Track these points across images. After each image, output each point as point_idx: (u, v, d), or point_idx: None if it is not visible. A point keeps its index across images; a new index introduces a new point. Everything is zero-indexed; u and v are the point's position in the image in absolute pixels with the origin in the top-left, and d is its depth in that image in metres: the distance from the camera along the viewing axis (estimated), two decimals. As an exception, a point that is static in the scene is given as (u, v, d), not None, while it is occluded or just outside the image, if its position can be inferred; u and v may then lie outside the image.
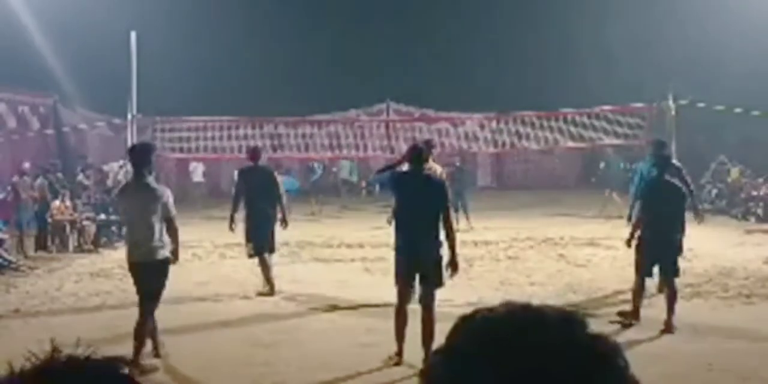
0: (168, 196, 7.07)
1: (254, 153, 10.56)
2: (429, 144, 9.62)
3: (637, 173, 10.89)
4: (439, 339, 0.97)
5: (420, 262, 6.73)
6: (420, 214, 6.69)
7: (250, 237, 10.17)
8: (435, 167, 9.34)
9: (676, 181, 8.42)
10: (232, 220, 10.31)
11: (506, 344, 0.87)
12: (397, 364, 6.76)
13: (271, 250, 10.33)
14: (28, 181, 15.03)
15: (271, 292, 10.03)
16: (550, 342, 0.87)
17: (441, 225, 6.72)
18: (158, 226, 6.93)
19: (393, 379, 6.55)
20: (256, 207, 10.13)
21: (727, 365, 6.75)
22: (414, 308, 6.94)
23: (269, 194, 10.15)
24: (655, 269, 8.23)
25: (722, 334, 7.81)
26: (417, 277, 6.81)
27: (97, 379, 0.97)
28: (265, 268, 10.15)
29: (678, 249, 8.23)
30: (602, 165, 20.85)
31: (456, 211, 16.83)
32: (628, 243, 8.44)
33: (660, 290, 9.19)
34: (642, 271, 8.13)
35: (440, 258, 6.79)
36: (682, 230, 8.36)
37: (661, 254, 8.05)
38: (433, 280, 6.77)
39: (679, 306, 9.16)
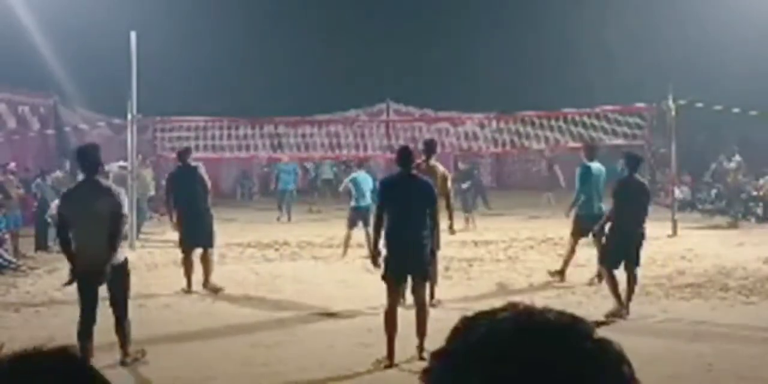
0: (123, 195, 6.85)
1: (181, 154, 10.96)
2: (432, 144, 9.58)
3: (579, 176, 11.16)
4: (438, 338, 0.97)
5: (412, 261, 6.91)
6: (410, 213, 6.88)
7: (183, 235, 10.46)
8: (437, 166, 9.32)
9: (643, 179, 9.32)
10: (171, 219, 10.72)
11: (507, 348, 0.86)
12: (388, 366, 6.78)
13: (209, 246, 10.47)
14: (14, 181, 15.01)
15: (204, 286, 10.25)
16: (553, 346, 0.86)
17: (431, 223, 7.00)
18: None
19: (393, 380, 6.55)
20: (188, 206, 10.43)
21: (727, 365, 6.75)
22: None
23: (197, 193, 10.45)
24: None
25: (722, 334, 7.81)
26: (408, 277, 7.04)
27: (48, 370, 0.95)
28: (207, 262, 10.36)
29: (642, 241, 8.81)
30: (556, 167, 20.86)
31: (468, 211, 17.22)
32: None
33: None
34: (610, 264, 8.73)
35: (429, 255, 7.07)
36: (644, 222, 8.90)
37: (630, 248, 8.66)
38: (422, 277, 7.04)
39: (679, 306, 9.20)
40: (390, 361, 6.79)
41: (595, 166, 10.87)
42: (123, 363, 6.86)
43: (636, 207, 8.69)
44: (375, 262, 7.09)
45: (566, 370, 0.85)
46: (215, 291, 10.18)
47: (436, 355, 0.93)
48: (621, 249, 8.70)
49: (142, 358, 6.96)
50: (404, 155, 7.17)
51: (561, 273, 10.86)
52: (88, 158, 6.80)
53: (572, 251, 10.88)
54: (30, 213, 15.68)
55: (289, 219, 20.00)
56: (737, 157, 20.13)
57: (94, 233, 6.55)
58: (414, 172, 7.32)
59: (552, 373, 0.84)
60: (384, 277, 6.98)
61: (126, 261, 6.88)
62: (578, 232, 10.72)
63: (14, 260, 12.66)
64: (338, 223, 18.71)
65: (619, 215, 8.74)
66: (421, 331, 6.86)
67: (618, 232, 8.75)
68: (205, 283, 10.28)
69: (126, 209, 6.83)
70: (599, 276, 10.44)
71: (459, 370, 0.88)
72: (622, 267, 8.75)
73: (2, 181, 14.61)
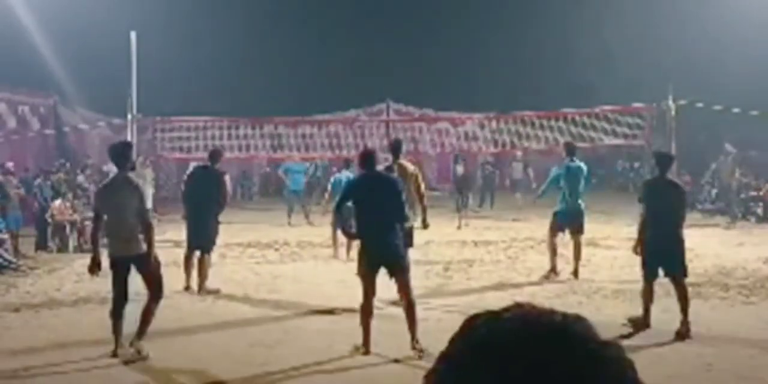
0: (143, 191, 7.46)
1: (212, 155, 11.08)
2: (397, 143, 9.85)
3: (552, 175, 11.44)
4: (441, 338, 0.97)
5: (384, 255, 7.19)
6: (378, 211, 7.19)
7: (187, 236, 10.58)
8: (406, 165, 9.52)
9: (676, 179, 8.69)
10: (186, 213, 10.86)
11: (513, 349, 0.86)
12: (366, 353, 7.10)
13: (207, 251, 10.43)
14: (13, 181, 15.01)
15: (199, 289, 10.29)
16: (558, 348, 0.86)
17: (400, 217, 7.26)
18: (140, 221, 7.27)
19: (393, 379, 6.56)
20: (196, 207, 10.50)
21: (727, 365, 6.75)
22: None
23: (211, 196, 10.48)
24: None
25: (722, 334, 7.81)
26: (383, 270, 7.26)
27: None
28: (203, 266, 10.38)
29: (683, 247, 8.01)
30: (529, 169, 20.57)
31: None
32: (636, 250, 8.21)
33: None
34: (645, 273, 7.99)
35: (402, 248, 7.29)
36: (681, 228, 8.13)
37: (666, 254, 7.89)
38: (400, 269, 7.23)
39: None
40: (366, 348, 7.12)
41: (574, 164, 11.05)
42: (131, 345, 7.10)
43: (666, 208, 7.89)
44: (350, 236, 7.57)
45: (570, 372, 0.84)
46: (210, 293, 10.18)
47: (442, 356, 0.92)
48: (655, 256, 7.89)
49: (142, 355, 7.09)
50: (366, 158, 7.59)
51: (552, 269, 10.91)
52: (121, 155, 7.44)
53: (552, 246, 10.98)
54: (30, 213, 15.68)
55: (309, 220, 18.16)
56: (732, 150, 19.91)
57: (122, 223, 7.18)
58: (380, 171, 7.78)
59: (557, 375, 0.84)
60: (359, 272, 7.29)
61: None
62: (554, 228, 11.00)
63: (14, 260, 12.66)
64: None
65: (648, 219, 7.99)
66: (412, 329, 7.10)
67: (648, 237, 7.93)
68: (200, 287, 10.26)
69: (148, 203, 7.48)
70: (575, 272, 10.77)
71: (463, 371, 0.88)
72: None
73: (2, 181, 14.62)
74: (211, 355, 7.27)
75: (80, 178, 18.36)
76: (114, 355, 7.11)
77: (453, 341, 0.92)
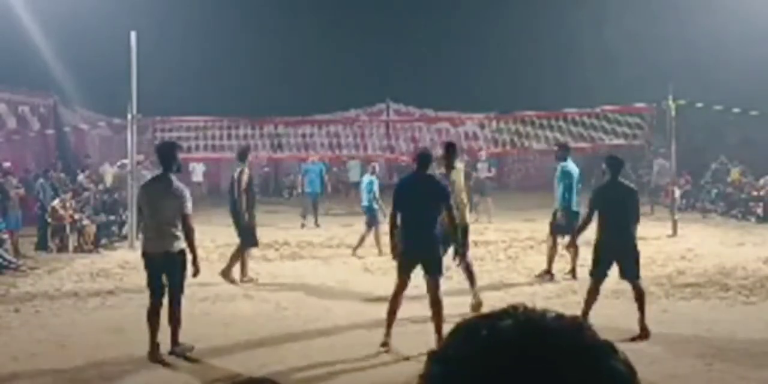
0: (187, 194, 7.47)
1: (240, 154, 11.84)
2: (452, 146, 9.29)
3: (564, 175, 11.17)
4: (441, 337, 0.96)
5: (423, 253, 7.30)
6: (422, 211, 7.33)
7: None
8: (460, 169, 9.20)
9: (629, 183, 8.56)
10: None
11: (508, 354, 0.85)
12: (387, 351, 7.14)
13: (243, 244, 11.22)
14: (13, 181, 15.01)
15: None
16: (555, 352, 0.85)
17: (438, 218, 7.39)
18: (176, 221, 7.27)
19: (396, 379, 6.56)
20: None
21: (727, 365, 6.75)
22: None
23: (231, 195, 11.18)
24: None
25: (722, 334, 7.81)
26: (420, 268, 7.38)
27: None
28: (232, 256, 11.22)
29: (635, 249, 8.02)
30: (492, 169, 20.11)
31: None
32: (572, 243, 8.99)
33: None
34: (596, 273, 8.05)
35: (438, 250, 7.43)
36: (634, 231, 8.13)
37: (618, 256, 7.94)
38: (434, 271, 7.34)
39: (680, 306, 9.20)
40: (386, 339, 7.20)
41: (571, 165, 11.13)
42: (172, 352, 7.13)
43: (620, 212, 7.94)
44: (395, 255, 7.51)
45: (568, 373, 0.84)
46: (231, 281, 10.92)
47: (432, 357, 0.91)
48: (609, 259, 7.97)
49: (190, 353, 7.20)
50: (420, 159, 7.69)
51: (572, 271, 10.91)
52: (168, 156, 7.45)
53: (552, 247, 11.10)
54: (32, 213, 15.67)
55: (317, 223, 18.20)
56: (661, 161, 20.18)
57: (156, 221, 7.28)
58: (430, 173, 7.81)
59: (554, 376, 0.83)
60: (398, 267, 7.42)
61: (184, 251, 7.32)
62: (556, 230, 11.10)
63: (14, 260, 12.66)
64: (336, 223, 18.75)
65: (603, 222, 8.07)
66: (438, 326, 7.14)
67: (603, 240, 8.02)
68: (224, 271, 11.02)
69: (190, 209, 7.36)
70: (572, 271, 10.85)
71: (457, 376, 0.87)
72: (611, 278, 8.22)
73: (2, 181, 14.61)
74: (211, 355, 7.27)
75: (80, 178, 18.36)
76: (153, 359, 7.01)
77: (446, 345, 0.90)
